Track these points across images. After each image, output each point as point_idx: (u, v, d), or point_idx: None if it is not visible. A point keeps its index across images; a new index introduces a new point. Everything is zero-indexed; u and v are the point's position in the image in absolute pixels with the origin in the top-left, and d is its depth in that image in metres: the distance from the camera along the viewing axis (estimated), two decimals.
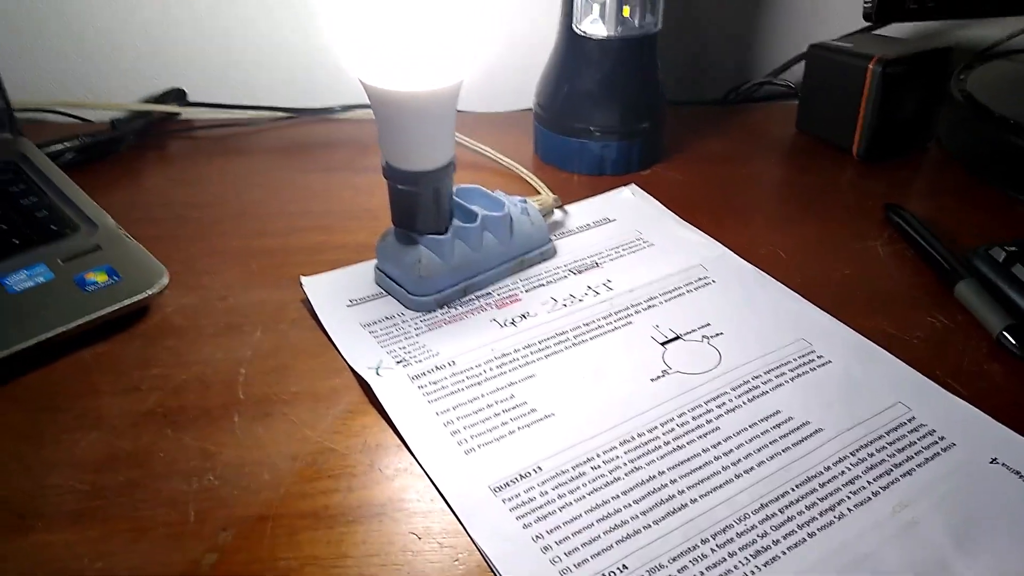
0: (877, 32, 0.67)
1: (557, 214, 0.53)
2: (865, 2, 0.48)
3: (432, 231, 0.43)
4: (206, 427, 0.37)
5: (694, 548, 0.31)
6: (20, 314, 0.40)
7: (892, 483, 0.34)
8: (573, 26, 0.56)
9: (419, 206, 0.42)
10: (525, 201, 0.49)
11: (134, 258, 0.45)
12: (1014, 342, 0.42)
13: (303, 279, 0.46)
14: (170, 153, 0.64)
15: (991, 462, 0.35)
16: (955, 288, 0.46)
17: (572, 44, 0.57)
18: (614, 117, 0.58)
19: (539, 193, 0.55)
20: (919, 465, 0.35)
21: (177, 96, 0.67)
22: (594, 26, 0.55)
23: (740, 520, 0.32)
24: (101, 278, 0.43)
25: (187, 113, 0.67)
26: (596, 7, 0.54)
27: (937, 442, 0.36)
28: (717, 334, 0.43)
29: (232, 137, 0.66)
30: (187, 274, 0.47)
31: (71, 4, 0.65)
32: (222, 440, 0.36)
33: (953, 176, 0.60)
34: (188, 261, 0.49)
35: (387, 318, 0.44)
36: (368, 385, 0.39)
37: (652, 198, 0.56)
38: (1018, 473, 0.35)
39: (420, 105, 0.39)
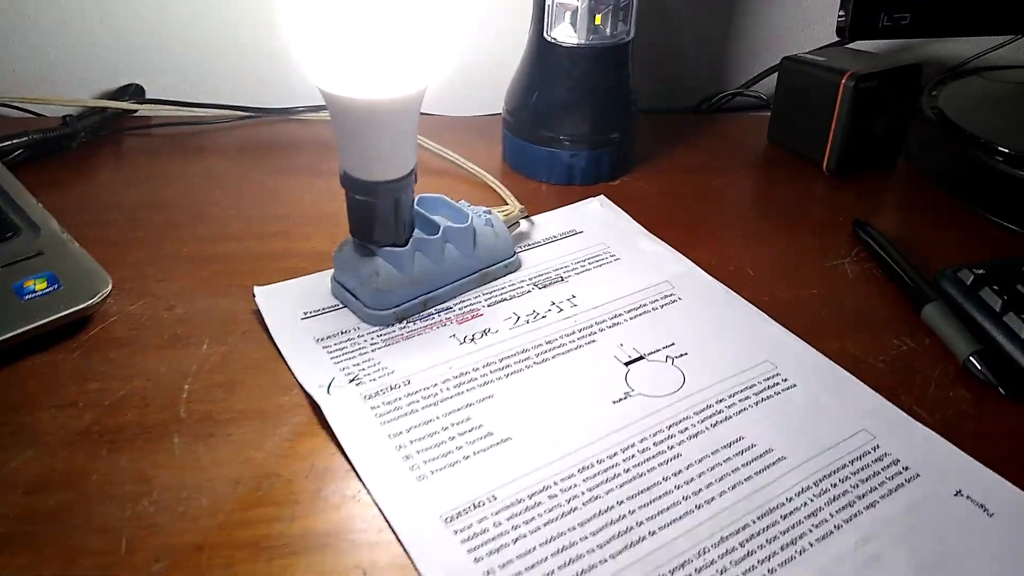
0: (849, 46, 0.67)
1: (523, 225, 0.52)
2: (839, 18, 0.47)
3: (391, 243, 0.42)
4: (144, 447, 0.35)
5: None
6: None
7: (855, 515, 0.33)
8: (544, 33, 0.54)
9: (377, 217, 0.41)
10: (490, 212, 0.47)
11: (77, 265, 0.43)
12: (980, 368, 0.41)
13: (256, 289, 0.44)
14: (125, 151, 0.61)
15: (956, 494, 0.35)
16: (922, 310, 0.45)
17: (542, 51, 0.56)
18: (584, 126, 0.57)
19: (506, 203, 0.53)
20: (883, 497, 0.34)
21: (135, 92, 0.65)
22: (565, 33, 0.54)
23: (700, 554, 0.31)
24: (40, 285, 0.41)
25: (144, 110, 0.65)
26: (567, 14, 0.53)
27: (901, 472, 0.36)
28: (682, 354, 0.42)
29: (191, 136, 0.64)
30: (135, 280, 0.45)
31: None
32: (160, 462, 0.34)
33: (923, 193, 0.59)
34: (137, 266, 0.47)
35: (342, 332, 0.42)
36: (319, 404, 0.37)
37: (621, 210, 0.55)
38: (983, 507, 0.34)
39: (381, 114, 0.38)
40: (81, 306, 0.40)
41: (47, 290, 0.41)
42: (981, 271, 0.45)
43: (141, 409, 0.37)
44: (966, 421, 0.39)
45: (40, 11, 0.63)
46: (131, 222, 0.51)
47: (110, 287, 0.42)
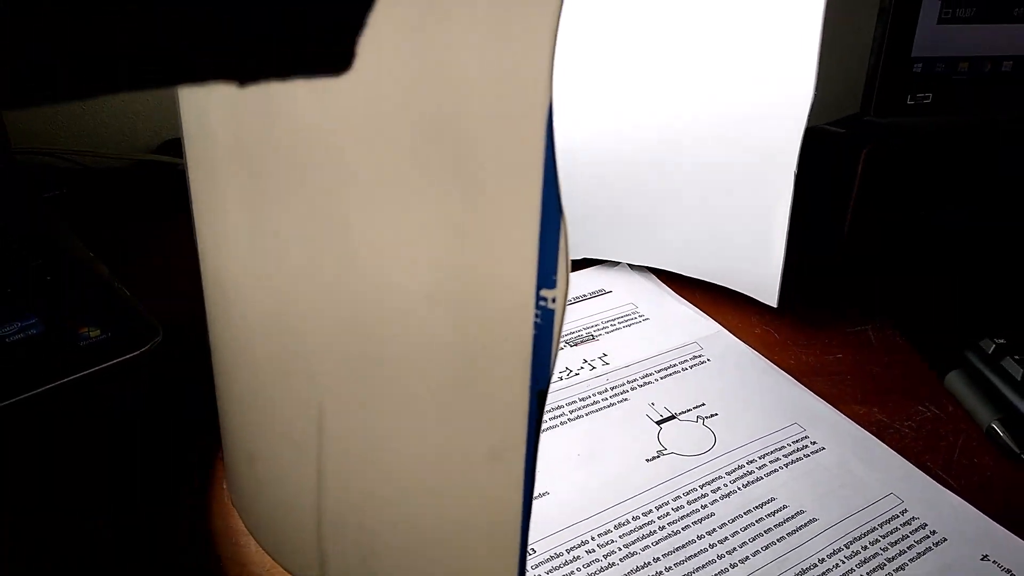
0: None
1: None
2: (865, 96, 0.50)
3: None
4: None
5: None
6: (3, 369, 0.40)
7: None
8: None
9: None
10: None
11: (127, 312, 0.44)
12: (1003, 435, 0.42)
13: None
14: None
15: (982, 559, 0.35)
16: (945, 378, 0.46)
17: None
18: None
19: None
20: (911, 560, 0.35)
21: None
22: None
23: None
24: (94, 333, 0.42)
25: None
26: None
27: (929, 536, 0.37)
28: (712, 415, 0.43)
29: None
30: (191, 328, 0.47)
31: None
32: None
33: (945, 260, 0.61)
34: (196, 311, 0.48)
35: None
36: None
37: (648, 270, 0.56)
38: (1009, 572, 0.35)
39: None
40: (130, 355, 0.42)
41: (100, 337, 0.42)
42: (1002, 340, 0.46)
43: None
44: (990, 487, 0.40)
45: None
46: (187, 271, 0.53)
47: (160, 336, 0.43)
